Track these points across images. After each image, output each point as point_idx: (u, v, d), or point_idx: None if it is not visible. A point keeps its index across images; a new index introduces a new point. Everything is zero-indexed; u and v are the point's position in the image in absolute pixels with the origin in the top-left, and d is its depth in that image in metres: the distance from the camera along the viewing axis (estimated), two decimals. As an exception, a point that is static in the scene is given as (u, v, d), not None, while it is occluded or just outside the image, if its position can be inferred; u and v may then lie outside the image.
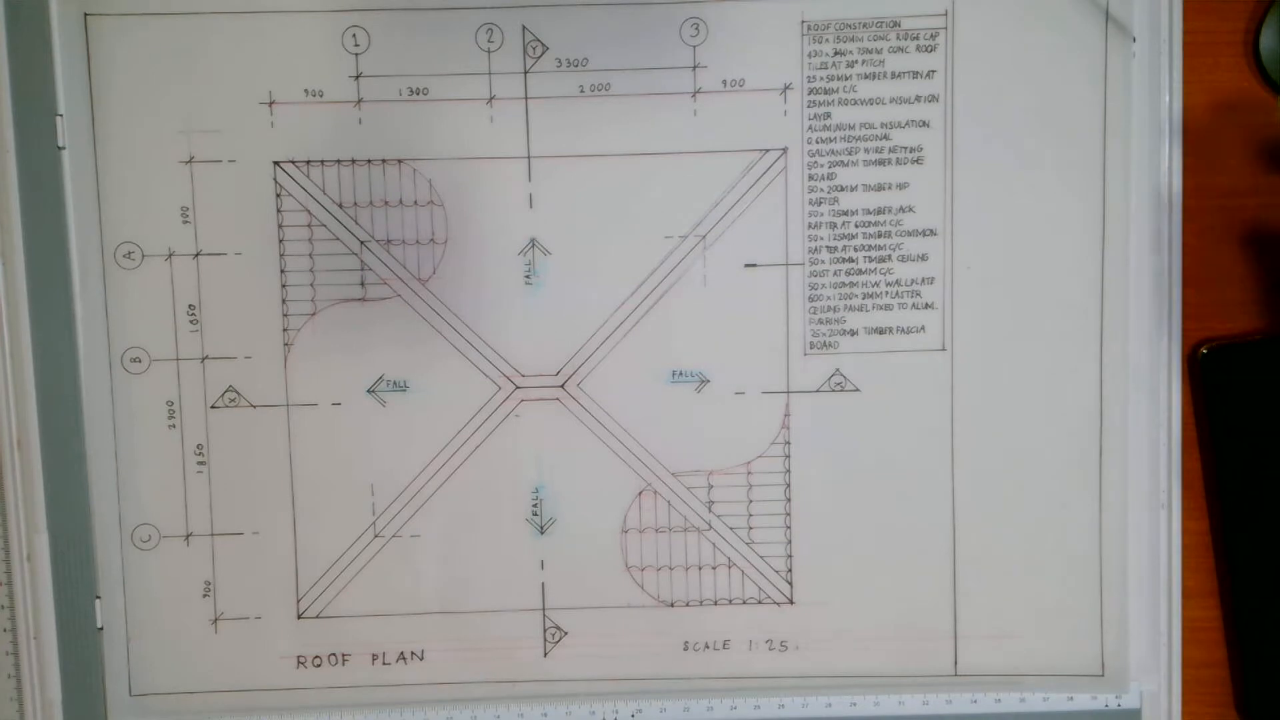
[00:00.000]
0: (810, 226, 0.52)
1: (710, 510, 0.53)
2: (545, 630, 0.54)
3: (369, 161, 0.51)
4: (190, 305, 0.52)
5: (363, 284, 0.52)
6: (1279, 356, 0.52)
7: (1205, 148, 0.52)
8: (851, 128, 0.51)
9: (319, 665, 0.54)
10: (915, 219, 0.52)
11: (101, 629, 0.53)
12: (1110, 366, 0.52)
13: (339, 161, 0.51)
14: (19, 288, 0.50)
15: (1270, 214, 0.53)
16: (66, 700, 0.52)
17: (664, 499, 0.53)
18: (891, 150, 0.51)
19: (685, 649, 0.54)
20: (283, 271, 0.52)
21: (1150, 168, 0.51)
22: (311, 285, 0.52)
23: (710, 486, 0.53)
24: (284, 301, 0.52)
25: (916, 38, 0.51)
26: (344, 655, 0.54)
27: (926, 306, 0.52)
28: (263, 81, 0.51)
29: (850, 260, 0.52)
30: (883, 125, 0.51)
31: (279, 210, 0.52)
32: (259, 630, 0.53)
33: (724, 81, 0.51)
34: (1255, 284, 0.53)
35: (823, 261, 0.52)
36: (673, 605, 0.54)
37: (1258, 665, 0.54)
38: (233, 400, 0.52)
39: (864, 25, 0.51)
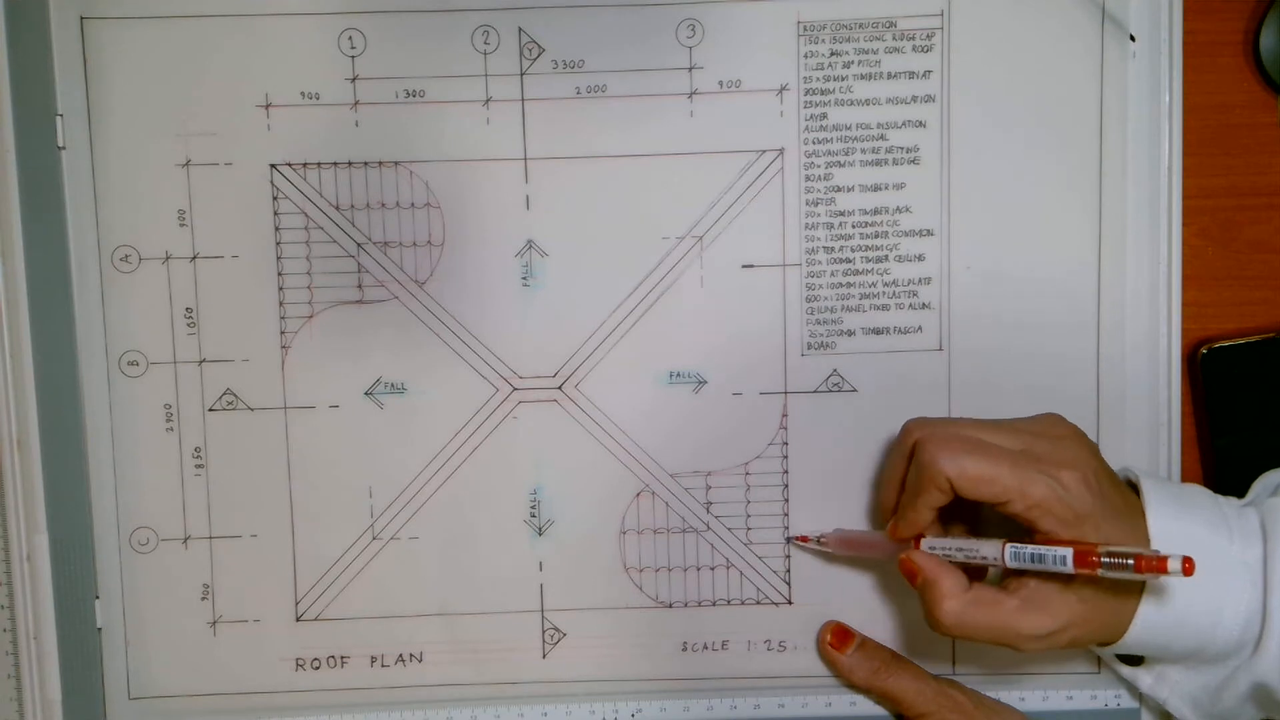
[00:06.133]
0: (807, 227, 0.52)
1: (708, 511, 0.53)
2: (544, 631, 0.54)
3: (366, 164, 0.51)
4: (187, 308, 0.52)
5: (360, 286, 0.52)
6: (1279, 356, 0.52)
7: (1205, 148, 0.52)
8: (848, 128, 0.51)
9: (318, 667, 0.54)
10: (912, 219, 0.52)
11: (101, 629, 0.53)
12: (1108, 366, 0.52)
13: (336, 164, 0.51)
14: (19, 290, 0.50)
15: (1270, 214, 0.53)
16: (66, 701, 0.52)
17: (662, 500, 0.53)
18: (888, 151, 0.51)
19: (684, 649, 0.54)
20: (280, 274, 0.52)
21: (1150, 168, 0.51)
22: (309, 288, 0.52)
23: (708, 487, 0.53)
24: (281, 304, 0.52)
25: (912, 38, 0.51)
26: (343, 657, 0.54)
27: (924, 307, 0.52)
28: (259, 84, 0.51)
29: (847, 261, 0.52)
30: (879, 126, 0.51)
31: (276, 213, 0.52)
32: (258, 633, 0.53)
33: (720, 83, 0.51)
34: (1255, 284, 0.53)
35: (820, 262, 0.52)
36: (671, 606, 0.54)
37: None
38: (230, 403, 0.52)
39: (860, 26, 0.50)
